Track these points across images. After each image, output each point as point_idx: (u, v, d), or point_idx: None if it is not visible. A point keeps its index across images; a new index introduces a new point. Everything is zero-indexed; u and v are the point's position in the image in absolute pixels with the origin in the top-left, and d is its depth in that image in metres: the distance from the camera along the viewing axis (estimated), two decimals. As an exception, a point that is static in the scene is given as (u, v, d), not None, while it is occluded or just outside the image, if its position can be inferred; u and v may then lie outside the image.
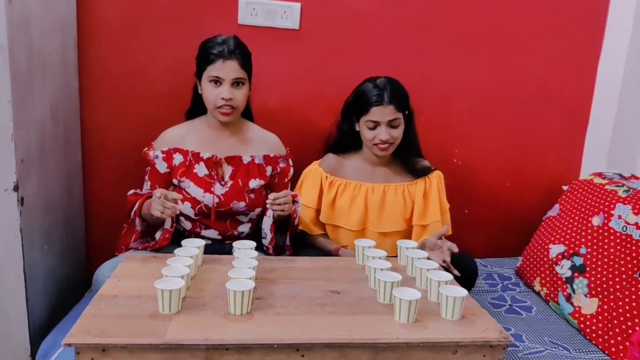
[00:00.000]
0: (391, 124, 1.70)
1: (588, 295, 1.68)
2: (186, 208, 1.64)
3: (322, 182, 1.82)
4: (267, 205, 1.58)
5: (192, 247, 1.41)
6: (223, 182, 1.66)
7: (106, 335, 1.06)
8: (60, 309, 1.72)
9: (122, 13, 1.91)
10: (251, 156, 1.70)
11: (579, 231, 1.82)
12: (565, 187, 2.11)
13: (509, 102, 2.21)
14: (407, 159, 1.81)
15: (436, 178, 1.84)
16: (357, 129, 1.76)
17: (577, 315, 1.69)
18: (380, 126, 1.70)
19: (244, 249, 1.44)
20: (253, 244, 1.48)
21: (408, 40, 2.09)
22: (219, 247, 1.68)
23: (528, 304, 1.87)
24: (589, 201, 1.87)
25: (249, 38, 1.74)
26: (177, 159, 1.66)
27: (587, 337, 1.64)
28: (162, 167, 1.66)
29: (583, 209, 1.87)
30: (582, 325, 1.67)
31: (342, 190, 1.81)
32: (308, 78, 2.06)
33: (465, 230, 2.11)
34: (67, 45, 1.83)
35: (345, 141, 1.82)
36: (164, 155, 1.66)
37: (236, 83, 1.61)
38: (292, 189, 1.82)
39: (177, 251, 1.37)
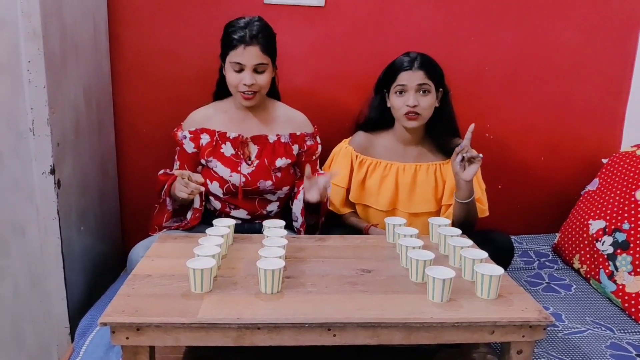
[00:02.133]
0: (421, 89, 1.66)
1: (632, 273, 1.61)
2: (214, 187, 1.65)
3: (352, 161, 1.79)
4: (304, 187, 1.58)
5: (223, 226, 1.42)
6: (249, 162, 1.66)
7: (140, 314, 1.08)
8: (97, 288, 1.77)
9: (151, -4, 1.92)
10: (277, 135, 1.69)
11: (621, 206, 1.74)
12: (605, 160, 2.02)
13: (543, 72, 2.11)
14: (440, 137, 1.76)
15: None
16: (389, 104, 1.73)
17: (620, 293, 1.63)
18: (408, 92, 1.66)
19: (274, 228, 1.44)
20: (283, 222, 1.48)
21: (436, 12, 2.02)
22: (249, 227, 1.68)
23: (567, 282, 1.81)
24: (631, 174, 1.79)
25: (275, 17, 1.71)
26: (204, 139, 1.66)
27: (632, 317, 1.58)
28: (189, 147, 1.67)
29: (625, 183, 1.79)
30: (626, 305, 1.61)
31: (372, 169, 1.78)
32: (334, 56, 2.02)
33: (499, 207, 2.05)
34: (99, 30, 1.85)
35: (376, 116, 1.78)
36: (192, 135, 1.67)
37: (257, 69, 1.59)
38: (320, 168, 1.81)
39: (208, 230, 1.38)
